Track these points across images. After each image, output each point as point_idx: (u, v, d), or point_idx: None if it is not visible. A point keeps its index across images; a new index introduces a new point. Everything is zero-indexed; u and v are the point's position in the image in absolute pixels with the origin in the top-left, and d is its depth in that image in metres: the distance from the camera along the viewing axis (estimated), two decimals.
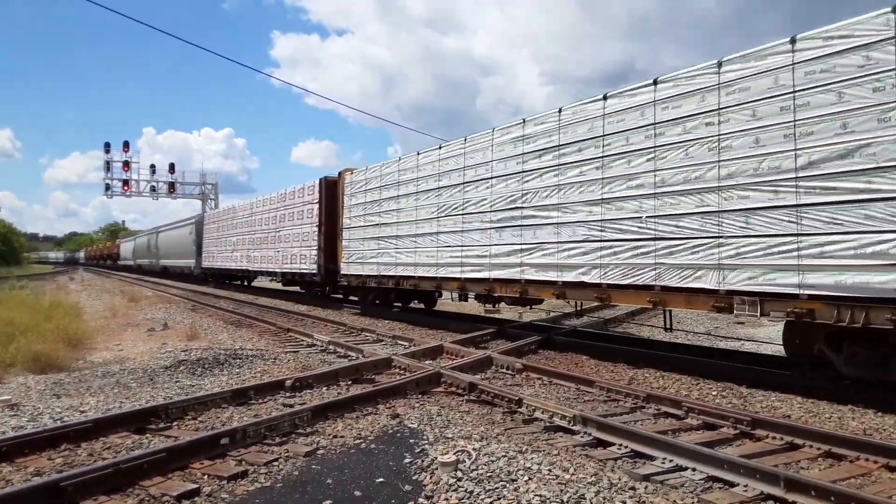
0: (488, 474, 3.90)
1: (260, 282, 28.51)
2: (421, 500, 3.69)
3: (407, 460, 4.31)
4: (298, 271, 18.68)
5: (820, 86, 5.93)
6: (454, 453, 4.24)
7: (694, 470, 4.14)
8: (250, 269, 23.67)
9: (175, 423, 5.36)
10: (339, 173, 16.23)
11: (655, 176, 7.54)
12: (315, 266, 17.22)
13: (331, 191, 16.86)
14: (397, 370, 7.70)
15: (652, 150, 7.59)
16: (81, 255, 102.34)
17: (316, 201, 17.38)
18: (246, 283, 29.19)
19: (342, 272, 15.63)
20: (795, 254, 6.10)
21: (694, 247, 7.09)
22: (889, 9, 5.46)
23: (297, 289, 22.07)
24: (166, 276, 40.51)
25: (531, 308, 14.14)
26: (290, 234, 19.30)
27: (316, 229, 17.19)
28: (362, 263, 14.62)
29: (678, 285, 7.26)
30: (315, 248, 17.19)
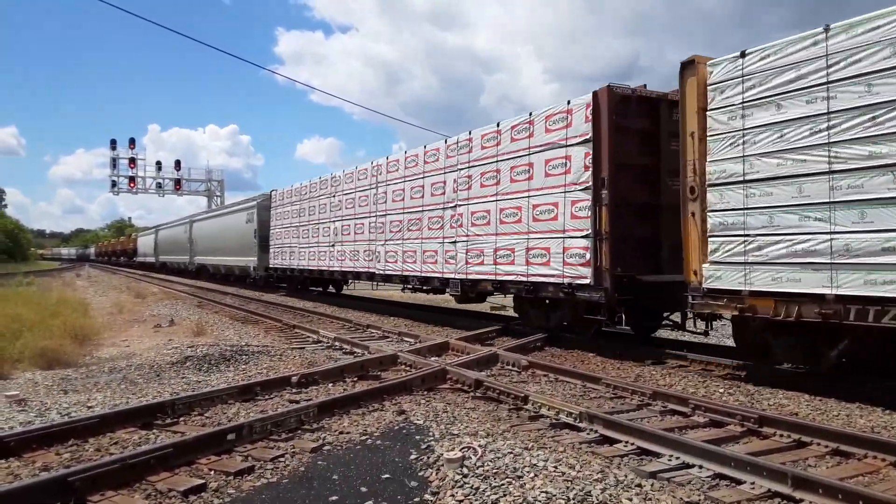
0: (494, 471, 3.90)
1: (378, 291, 19.65)
2: (427, 496, 3.69)
3: (413, 456, 4.31)
4: (525, 280, 9.87)
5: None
6: (460, 450, 4.24)
7: (701, 467, 4.13)
8: (375, 271, 14.66)
9: (182, 418, 5.37)
10: (687, 64, 7.48)
11: None
12: (586, 271, 8.72)
13: (625, 114, 8.90)
14: (403, 367, 7.70)
15: None
16: (92, 251, 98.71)
17: (582, 138, 8.92)
18: (329, 290, 21.68)
19: (707, 285, 7.11)
20: None
21: None
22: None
23: (482, 307, 14.26)
24: (209, 278, 31.61)
25: None
26: (491, 210, 10.59)
27: (584, 198, 8.80)
28: (831, 266, 5.96)
29: None
30: (583, 233, 8.79)
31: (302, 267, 19.74)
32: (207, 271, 32.31)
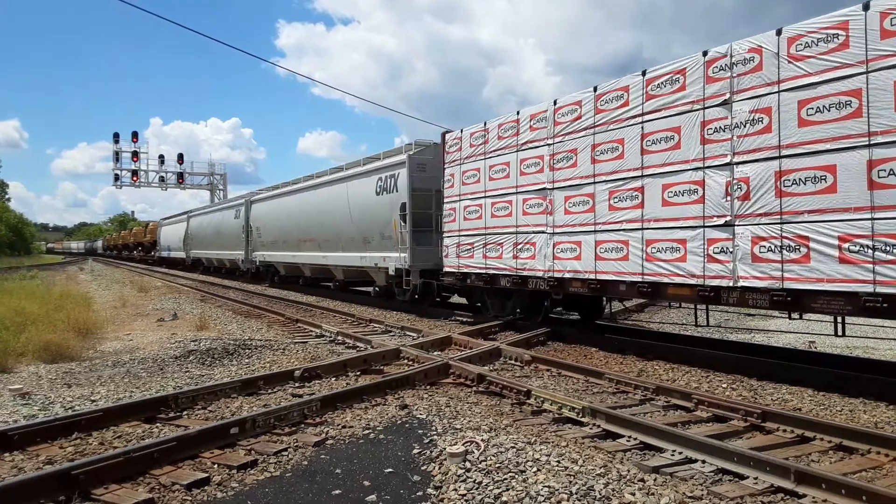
0: (497, 465, 3.90)
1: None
2: (430, 490, 3.69)
3: (416, 451, 4.32)
4: None
5: None
6: (463, 444, 4.24)
7: (703, 462, 4.12)
8: None
9: (185, 412, 5.39)
10: None
11: None
12: None
13: None
14: (406, 361, 7.70)
15: None
16: (99, 244, 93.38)
17: None
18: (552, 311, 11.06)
19: None
20: None
21: None
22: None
23: None
24: (283, 283, 21.85)
25: None
26: None
27: None
28: None
29: None
30: None
31: (557, 275, 9.20)
32: (275, 272, 22.73)
